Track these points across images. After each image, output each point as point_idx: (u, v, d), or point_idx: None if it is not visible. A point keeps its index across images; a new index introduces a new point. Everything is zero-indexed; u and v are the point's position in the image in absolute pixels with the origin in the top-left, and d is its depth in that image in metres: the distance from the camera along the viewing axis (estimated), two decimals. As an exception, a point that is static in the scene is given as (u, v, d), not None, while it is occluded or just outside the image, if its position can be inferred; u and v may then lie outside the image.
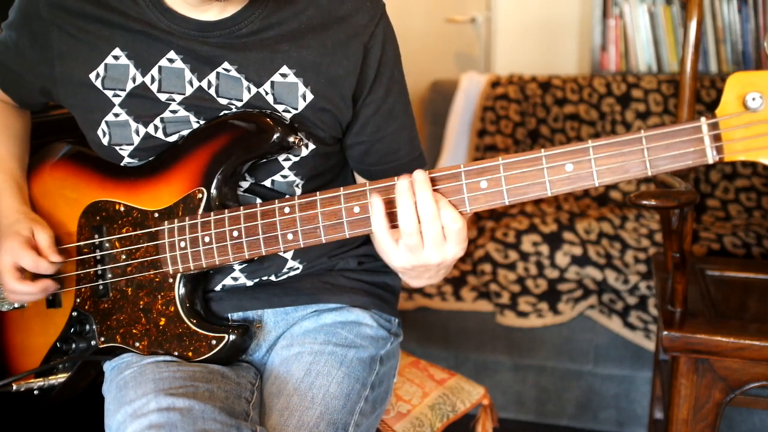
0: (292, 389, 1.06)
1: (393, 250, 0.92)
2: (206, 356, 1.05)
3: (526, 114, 2.73)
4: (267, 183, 1.09)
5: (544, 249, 2.24)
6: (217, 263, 1.03)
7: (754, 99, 0.76)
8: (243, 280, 1.12)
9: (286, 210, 0.98)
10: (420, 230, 0.89)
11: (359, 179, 1.21)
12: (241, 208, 1.01)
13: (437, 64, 3.29)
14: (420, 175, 0.89)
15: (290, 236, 0.98)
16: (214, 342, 1.05)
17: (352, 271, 1.19)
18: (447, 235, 0.90)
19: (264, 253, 1.00)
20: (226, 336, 1.05)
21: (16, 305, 1.18)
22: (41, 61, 1.09)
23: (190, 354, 1.06)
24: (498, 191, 0.87)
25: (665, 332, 1.35)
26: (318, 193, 0.96)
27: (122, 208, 1.11)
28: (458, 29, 3.28)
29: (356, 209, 0.94)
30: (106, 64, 1.06)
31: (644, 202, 1.23)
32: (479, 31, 3.25)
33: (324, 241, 0.96)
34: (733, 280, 1.64)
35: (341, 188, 0.95)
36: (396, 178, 0.92)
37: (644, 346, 2.06)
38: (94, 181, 1.14)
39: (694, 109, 1.52)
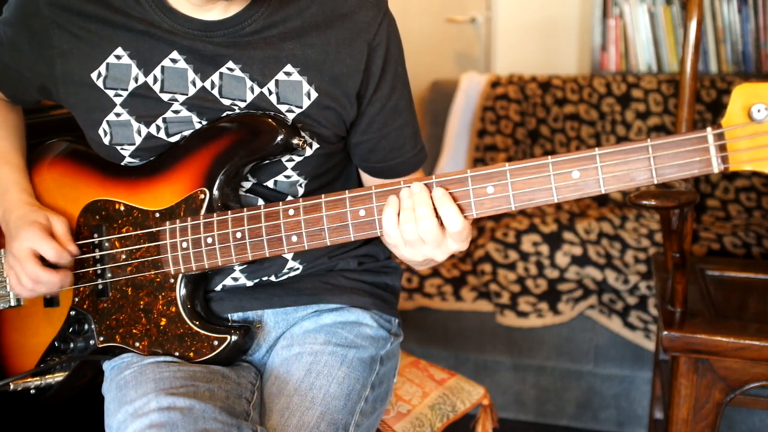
0: (293, 389, 1.06)
1: (397, 242, 0.94)
2: (208, 357, 1.05)
3: (526, 114, 2.73)
4: (269, 183, 1.09)
5: (544, 249, 2.24)
6: (220, 264, 1.03)
7: (759, 111, 0.78)
8: (243, 280, 1.12)
9: (291, 212, 0.98)
10: (417, 229, 0.90)
11: (364, 176, 1.21)
12: (245, 209, 1.01)
13: (437, 64, 3.29)
14: (416, 188, 0.91)
15: (294, 238, 0.98)
16: (216, 343, 1.05)
17: (352, 272, 1.19)
18: (447, 235, 0.91)
19: (267, 255, 1.00)
20: (229, 337, 1.05)
21: (12, 303, 1.18)
22: (40, 59, 1.09)
23: (191, 354, 1.06)
24: (504, 197, 0.88)
25: (665, 332, 1.35)
26: (323, 195, 0.96)
27: (122, 208, 1.11)
28: (458, 29, 3.28)
29: (362, 212, 0.94)
30: (107, 64, 1.05)
31: (644, 202, 1.24)
32: (479, 31, 3.25)
33: (329, 244, 0.97)
34: (733, 280, 1.64)
35: (346, 191, 0.95)
36: (401, 181, 0.93)
37: (644, 346, 2.05)
38: (93, 179, 1.14)
39: (694, 109, 1.52)
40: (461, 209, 0.90)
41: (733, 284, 1.62)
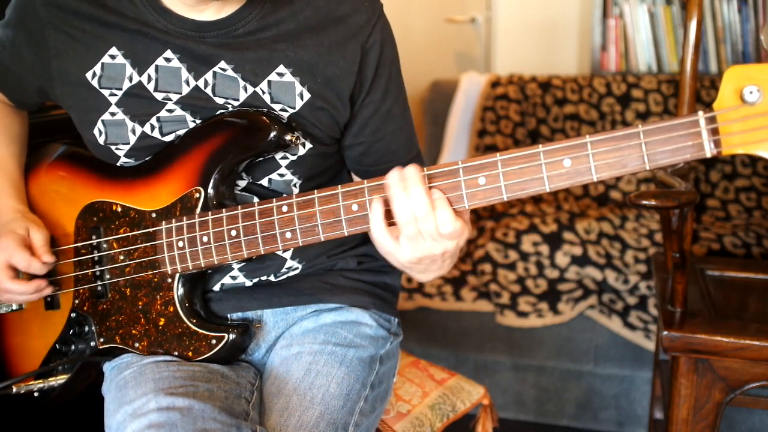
0: (292, 389, 1.05)
1: (395, 248, 0.91)
2: (206, 356, 1.05)
3: (526, 114, 2.73)
4: (264, 182, 1.09)
5: (544, 249, 2.24)
6: (216, 263, 1.03)
7: (751, 92, 0.75)
8: (242, 279, 1.12)
9: (284, 209, 0.98)
10: (416, 220, 0.87)
11: (357, 180, 1.21)
12: (239, 207, 1.01)
13: (437, 64, 3.29)
14: (411, 171, 0.87)
15: (288, 235, 0.98)
16: (214, 341, 1.05)
17: (351, 271, 1.19)
18: (441, 234, 0.88)
19: (263, 252, 1.00)
20: (226, 335, 1.05)
21: (14, 307, 1.18)
22: (38, 60, 1.09)
23: (190, 354, 1.06)
24: (496, 187, 0.87)
25: (665, 332, 1.35)
26: (316, 191, 0.96)
27: (119, 209, 1.11)
28: (458, 29, 3.28)
29: (354, 207, 0.94)
30: (102, 63, 1.06)
31: (644, 202, 1.23)
32: (479, 31, 3.25)
33: (323, 239, 0.96)
34: (733, 280, 1.64)
35: (339, 186, 0.95)
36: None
37: (644, 346, 2.05)
38: (90, 181, 1.14)
39: (694, 109, 1.51)
40: (453, 201, 0.88)
41: (733, 284, 1.62)
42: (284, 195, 1.10)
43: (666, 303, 1.46)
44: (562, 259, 2.21)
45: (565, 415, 2.23)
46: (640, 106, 2.61)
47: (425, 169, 0.89)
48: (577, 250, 2.21)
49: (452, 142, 2.76)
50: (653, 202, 1.24)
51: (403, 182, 0.87)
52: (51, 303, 1.17)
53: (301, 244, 0.98)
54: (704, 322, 1.38)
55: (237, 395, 1.03)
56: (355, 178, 1.21)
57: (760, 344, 1.31)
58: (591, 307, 2.13)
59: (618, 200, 2.57)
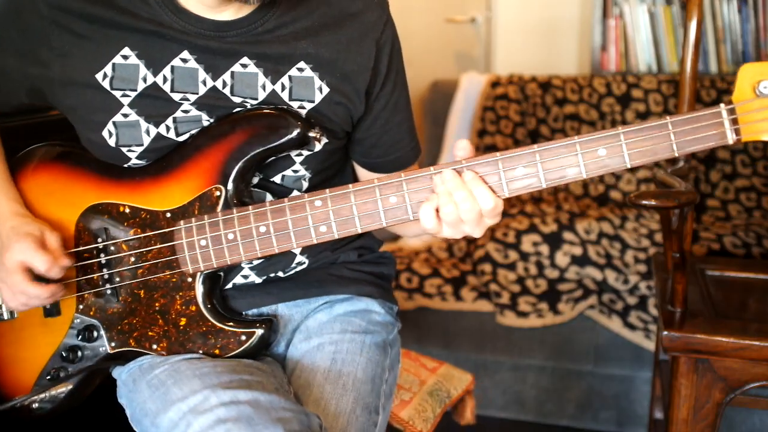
0: (323, 379, 1.07)
1: (437, 230, 0.97)
2: (235, 352, 1.05)
3: (526, 114, 2.73)
4: (277, 179, 1.10)
5: (544, 249, 2.24)
6: (243, 259, 1.03)
7: (765, 87, 0.88)
8: (253, 277, 1.13)
9: (318, 203, 1.00)
10: (458, 212, 0.94)
11: (361, 172, 1.23)
12: (267, 203, 1.02)
13: (437, 64, 3.29)
14: (448, 174, 0.95)
15: (323, 228, 1.00)
16: (243, 337, 1.05)
17: (353, 263, 1.22)
18: (483, 214, 0.95)
19: (295, 246, 1.02)
20: (256, 331, 1.06)
21: (5, 316, 1.13)
22: (34, 60, 1.06)
23: (217, 351, 1.05)
24: (535, 175, 0.94)
25: (665, 332, 1.36)
26: (351, 185, 0.99)
27: (127, 210, 1.08)
28: (458, 29, 3.28)
29: (392, 199, 0.98)
30: (114, 64, 1.04)
31: (644, 202, 1.24)
32: (479, 31, 3.26)
33: (360, 231, 0.99)
34: (733, 280, 1.64)
35: (375, 180, 0.98)
36: (431, 168, 0.97)
37: (644, 346, 2.06)
38: (89, 182, 1.11)
39: (694, 109, 1.51)
40: (493, 190, 0.95)
41: (733, 284, 1.62)
42: (294, 190, 1.12)
43: (666, 303, 1.47)
44: (562, 259, 2.22)
45: (565, 415, 2.24)
46: (640, 106, 2.61)
47: (464, 161, 0.95)
48: (577, 250, 2.22)
49: (452, 142, 2.76)
50: (653, 202, 1.24)
51: (444, 185, 0.95)
52: (50, 310, 1.11)
53: (337, 237, 1.00)
54: (704, 322, 1.39)
55: (280, 386, 1.03)
56: (360, 171, 1.23)
57: (760, 344, 1.31)
58: (591, 307, 2.14)
59: (618, 200, 2.57)
